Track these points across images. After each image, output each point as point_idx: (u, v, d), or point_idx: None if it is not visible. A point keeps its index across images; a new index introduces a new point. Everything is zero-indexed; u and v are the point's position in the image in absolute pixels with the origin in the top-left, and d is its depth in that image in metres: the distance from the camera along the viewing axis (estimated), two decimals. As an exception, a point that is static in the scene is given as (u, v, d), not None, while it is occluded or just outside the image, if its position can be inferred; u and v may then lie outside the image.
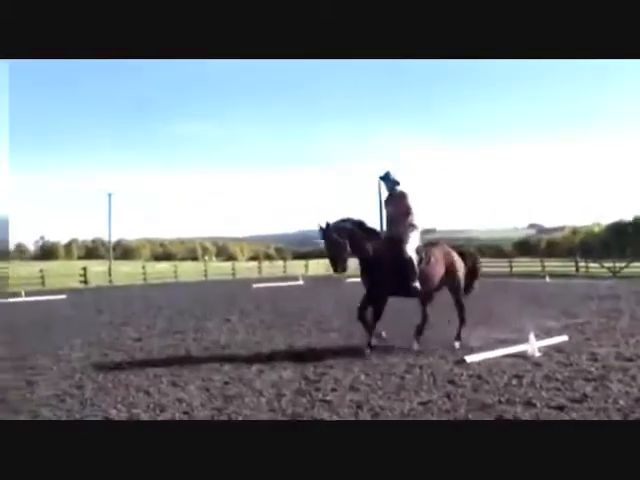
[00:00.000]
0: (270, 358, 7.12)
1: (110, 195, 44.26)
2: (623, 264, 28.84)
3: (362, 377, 5.94)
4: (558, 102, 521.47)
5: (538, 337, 7.23)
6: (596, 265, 30.38)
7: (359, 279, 7.69)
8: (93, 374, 6.41)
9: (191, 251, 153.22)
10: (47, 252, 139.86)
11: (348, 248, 7.15)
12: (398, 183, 7.65)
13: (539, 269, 32.21)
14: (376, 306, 7.29)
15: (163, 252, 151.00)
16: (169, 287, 26.37)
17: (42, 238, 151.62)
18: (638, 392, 5.08)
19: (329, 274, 22.86)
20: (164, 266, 47.27)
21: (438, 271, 7.57)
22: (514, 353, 6.90)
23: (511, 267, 34.66)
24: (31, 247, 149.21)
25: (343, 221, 7.27)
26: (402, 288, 7.23)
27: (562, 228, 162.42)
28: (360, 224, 7.36)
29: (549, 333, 8.34)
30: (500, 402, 4.85)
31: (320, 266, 34.48)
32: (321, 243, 7.46)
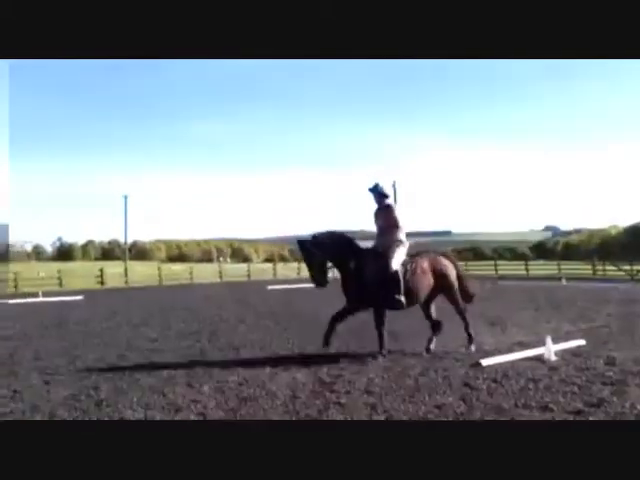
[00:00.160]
0: (284, 359, 7.13)
1: (126, 197, 44.61)
2: (641, 267, 28.46)
3: (376, 380, 5.92)
4: (575, 103, 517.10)
5: (554, 341, 7.15)
6: (613, 268, 30.05)
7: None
8: (109, 375, 6.47)
9: (206, 252, 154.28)
10: (64, 253, 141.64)
11: (327, 262, 7.29)
12: (387, 196, 7.58)
13: (556, 271, 31.95)
14: (348, 312, 7.41)
15: (178, 253, 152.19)
16: (184, 288, 26.53)
17: (60, 239, 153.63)
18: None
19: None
20: (179, 267, 47.63)
21: (425, 282, 7.39)
22: (530, 357, 6.83)
23: (527, 269, 34.45)
24: (49, 248, 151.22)
25: (322, 235, 7.33)
26: (386, 301, 7.17)
27: (578, 231, 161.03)
28: (340, 237, 7.40)
29: (566, 337, 8.25)
30: (516, 406, 4.80)
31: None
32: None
